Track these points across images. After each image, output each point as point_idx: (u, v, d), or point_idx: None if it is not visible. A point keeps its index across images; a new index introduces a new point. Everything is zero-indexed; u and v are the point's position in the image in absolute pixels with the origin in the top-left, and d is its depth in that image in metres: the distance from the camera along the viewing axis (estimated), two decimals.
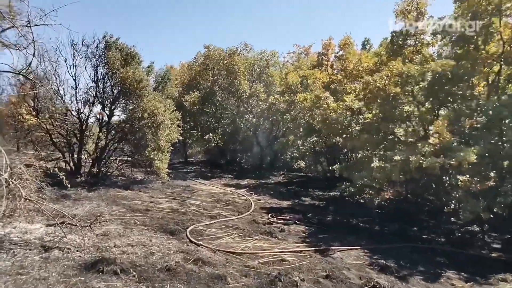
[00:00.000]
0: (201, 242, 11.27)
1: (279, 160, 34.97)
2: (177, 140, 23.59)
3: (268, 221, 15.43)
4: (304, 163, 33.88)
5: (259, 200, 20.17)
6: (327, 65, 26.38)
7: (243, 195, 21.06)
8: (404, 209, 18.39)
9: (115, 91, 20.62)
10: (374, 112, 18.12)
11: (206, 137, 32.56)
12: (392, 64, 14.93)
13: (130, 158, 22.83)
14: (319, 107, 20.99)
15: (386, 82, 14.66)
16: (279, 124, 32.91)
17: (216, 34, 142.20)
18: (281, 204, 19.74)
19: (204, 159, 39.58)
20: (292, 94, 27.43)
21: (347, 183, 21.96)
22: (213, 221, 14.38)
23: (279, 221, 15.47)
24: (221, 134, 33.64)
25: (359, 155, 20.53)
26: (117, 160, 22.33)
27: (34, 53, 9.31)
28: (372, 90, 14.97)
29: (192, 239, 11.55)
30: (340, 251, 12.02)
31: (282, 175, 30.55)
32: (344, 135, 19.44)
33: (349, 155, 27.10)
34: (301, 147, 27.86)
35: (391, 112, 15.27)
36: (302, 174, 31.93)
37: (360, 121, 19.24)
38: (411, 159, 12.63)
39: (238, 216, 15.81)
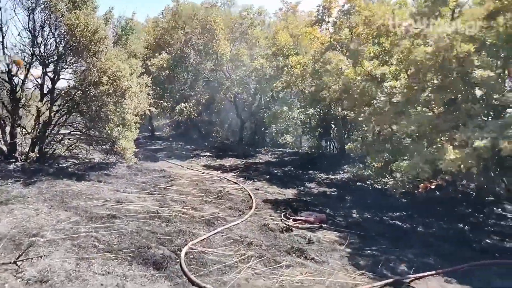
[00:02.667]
0: (210, 287, 6.83)
1: (263, 134, 30.60)
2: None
3: (285, 224, 11.30)
4: (291, 137, 29.79)
5: (257, 188, 15.87)
6: (328, 22, 21.76)
7: (234, 182, 16.65)
8: (436, 199, 14.85)
9: (61, 45, 15.09)
10: (404, 79, 14.14)
11: (177, 107, 27.43)
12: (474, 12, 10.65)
13: (84, 134, 17.51)
14: (328, 72, 16.70)
15: (459, 39, 10.41)
16: (263, 93, 28.31)
17: None
18: (285, 193, 15.58)
19: (173, 132, 34.47)
20: (283, 58, 22.79)
21: (360, 165, 18.35)
22: (212, 232, 9.93)
23: (299, 225, 11.33)
24: (194, 104, 28.62)
25: (383, 132, 16.49)
26: (67, 138, 16.99)
27: None
28: (440, 49, 10.67)
29: (193, 278, 7.07)
30: (412, 280, 8.07)
31: (270, 153, 26.31)
32: (367, 108, 15.29)
33: (350, 129, 23.19)
34: (293, 120, 23.52)
35: (454, 80, 11.17)
36: (291, 150, 27.81)
37: (386, 90, 15.18)
38: (503, 145, 8.67)
39: (242, 219, 11.47)
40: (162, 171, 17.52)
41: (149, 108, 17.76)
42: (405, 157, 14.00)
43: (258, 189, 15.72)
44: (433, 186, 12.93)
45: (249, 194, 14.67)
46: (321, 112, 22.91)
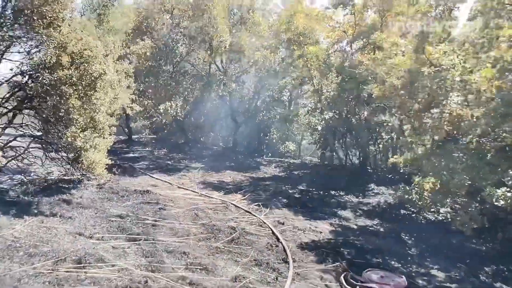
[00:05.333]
0: None
1: (261, 140, 26.12)
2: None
3: None
4: (294, 145, 25.65)
5: (280, 222, 11.46)
6: (354, 5, 17.54)
7: (247, 211, 12.18)
8: None
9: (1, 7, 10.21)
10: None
11: (161, 107, 22.63)
12: None
13: (38, 139, 12.55)
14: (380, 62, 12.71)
15: None
16: (265, 91, 24.03)
17: None
18: (319, 229, 11.30)
19: (154, 136, 29.51)
20: (298, 47, 18.54)
21: (405, 186, 14.28)
22: None
23: None
24: (182, 104, 23.93)
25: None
26: (11, 145, 12.01)
27: None
28: None
29: None
30: None
31: (273, 164, 21.88)
32: (437, 110, 11.26)
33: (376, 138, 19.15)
34: (308, 124, 19.13)
35: None
36: (296, 161, 23.52)
37: (459, 86, 11.23)
38: None
39: None
40: (146, 192, 12.78)
41: (130, 105, 13.08)
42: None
43: (283, 223, 11.31)
44: None
45: (274, 233, 10.29)
46: (342, 116, 18.67)
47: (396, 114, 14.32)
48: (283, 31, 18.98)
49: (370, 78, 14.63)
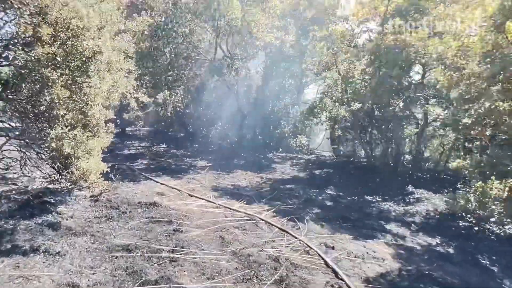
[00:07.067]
0: None
1: (271, 134, 23.46)
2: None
3: None
4: (306, 140, 23.15)
5: (326, 244, 9.03)
6: None
7: (281, 229, 9.67)
8: None
9: None
10: None
11: (159, 97, 19.95)
12: None
13: (14, 139, 9.79)
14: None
15: None
16: (271, 78, 21.45)
17: None
18: (379, 254, 8.89)
19: (149, 129, 26.69)
20: (323, 26, 15.98)
21: (464, 193, 11.98)
22: None
23: None
24: (182, 93, 21.23)
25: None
26: None
27: None
28: None
29: None
30: None
31: (288, 161, 19.45)
32: None
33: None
34: (337, 117, 16.54)
35: None
36: (311, 157, 21.13)
37: None
38: None
39: None
40: (153, 205, 10.18)
41: (135, 95, 10.43)
42: None
43: (333, 247, 8.84)
44: None
45: (328, 264, 7.83)
46: (372, 106, 16.19)
47: (453, 104, 11.87)
48: (306, 7, 16.25)
49: (417, 62, 12.16)
